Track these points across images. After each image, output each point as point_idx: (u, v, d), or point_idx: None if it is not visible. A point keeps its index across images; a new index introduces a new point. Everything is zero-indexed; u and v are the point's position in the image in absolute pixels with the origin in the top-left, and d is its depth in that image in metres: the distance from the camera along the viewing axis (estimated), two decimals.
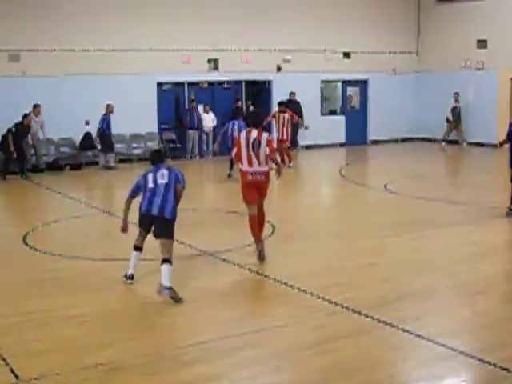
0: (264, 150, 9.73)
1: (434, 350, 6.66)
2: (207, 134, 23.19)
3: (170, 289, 8.02)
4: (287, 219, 13.50)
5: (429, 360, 6.48)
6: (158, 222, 8.46)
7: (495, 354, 6.43)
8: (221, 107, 23.48)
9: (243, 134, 9.98)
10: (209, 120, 23.01)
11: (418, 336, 6.94)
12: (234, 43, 23.22)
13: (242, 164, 9.93)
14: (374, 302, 8.01)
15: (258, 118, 10.28)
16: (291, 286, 8.62)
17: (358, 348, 6.75)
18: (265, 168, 9.86)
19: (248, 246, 10.52)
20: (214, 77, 23.45)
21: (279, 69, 24.44)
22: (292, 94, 23.82)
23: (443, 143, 24.62)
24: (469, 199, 14.69)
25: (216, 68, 23.37)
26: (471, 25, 25.30)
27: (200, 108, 23.04)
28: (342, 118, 26.40)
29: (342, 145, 26.10)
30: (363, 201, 15.61)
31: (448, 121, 24.83)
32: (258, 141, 9.77)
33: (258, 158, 9.76)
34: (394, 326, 7.20)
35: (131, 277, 8.84)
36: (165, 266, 8.12)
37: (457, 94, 24.70)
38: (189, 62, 22.69)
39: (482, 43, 25.06)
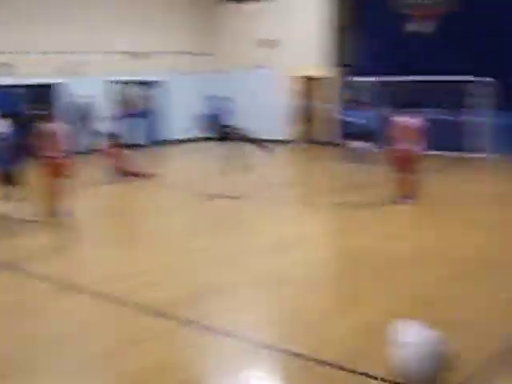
0: None
1: (238, 345, 6.83)
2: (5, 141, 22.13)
3: None
4: (92, 223, 13.26)
5: (234, 355, 6.62)
6: None
7: (296, 344, 6.70)
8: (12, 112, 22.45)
9: None
10: (4, 126, 21.95)
11: (222, 332, 7.08)
12: (26, 45, 22.40)
13: None
14: (178, 302, 8.06)
15: None
16: (93, 291, 8.50)
17: (163, 349, 6.74)
18: None
19: (48, 255, 10.30)
20: (4, 81, 22.42)
21: (71, 72, 23.79)
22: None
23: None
24: (267, 195, 15.21)
25: (8, 72, 22.39)
26: (262, 25, 26.24)
27: None
28: (141, 120, 26.24)
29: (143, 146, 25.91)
30: (166, 202, 15.59)
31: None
32: None
33: None
34: (197, 324, 7.30)
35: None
36: None
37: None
38: None
39: (271, 43, 26.02)
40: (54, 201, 12.90)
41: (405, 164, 13.69)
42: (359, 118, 20.45)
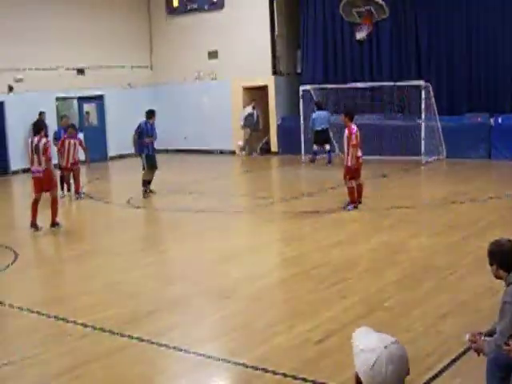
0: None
1: (189, 360, 6.78)
2: None
3: None
4: (30, 243, 13.01)
5: (184, 369, 6.60)
6: None
7: (247, 355, 6.68)
8: None
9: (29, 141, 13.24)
10: None
11: (173, 348, 7.01)
12: None
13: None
14: (126, 320, 7.96)
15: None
16: (38, 313, 8.31)
17: (113, 368, 6.67)
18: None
19: None
20: None
21: (11, 89, 23.50)
22: (41, 113, 22.80)
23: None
24: (209, 206, 15.11)
25: None
26: (202, 37, 26.15)
27: None
28: (80, 135, 25.93)
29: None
30: (108, 218, 15.43)
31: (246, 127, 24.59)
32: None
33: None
34: (147, 341, 7.21)
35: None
36: None
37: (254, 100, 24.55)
38: None
39: (213, 54, 25.99)
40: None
41: (356, 171, 13.88)
42: (318, 123, 20.77)
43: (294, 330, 7.37)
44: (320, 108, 21.47)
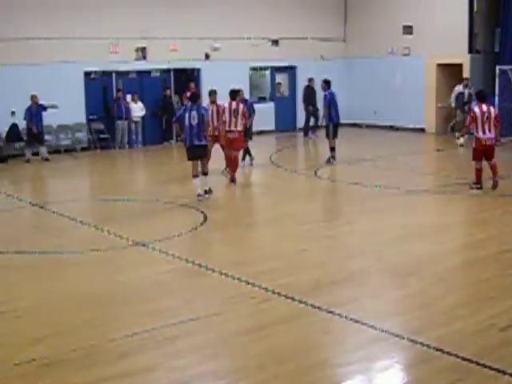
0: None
1: (366, 333, 6.77)
2: (136, 124, 22.93)
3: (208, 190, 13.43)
4: (219, 207, 13.53)
5: (361, 343, 6.57)
6: (200, 148, 13.27)
7: (427, 334, 6.57)
8: (149, 96, 23.28)
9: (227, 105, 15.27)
10: (137, 109, 22.78)
11: (351, 319, 7.03)
12: (162, 31, 22.99)
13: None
14: (307, 288, 8.07)
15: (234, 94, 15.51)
16: (225, 274, 8.63)
17: (293, 333, 6.81)
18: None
19: (179, 236, 10.56)
20: (142, 65, 23.21)
21: (207, 57, 24.34)
22: (310, 79, 23.99)
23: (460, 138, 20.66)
24: (395, 182, 14.93)
25: (144, 57, 23.14)
26: (397, 11, 25.69)
27: (128, 97, 22.77)
28: (271, 105, 26.46)
29: (271, 132, 26.13)
30: (294, 187, 15.67)
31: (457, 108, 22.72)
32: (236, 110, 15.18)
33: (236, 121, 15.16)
34: (326, 311, 7.28)
35: (202, 194, 13.31)
36: (205, 177, 13.56)
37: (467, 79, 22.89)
38: (116, 51, 22.40)
39: (407, 29, 25.45)
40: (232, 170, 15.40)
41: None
42: None
43: (478, 315, 7.16)
44: None
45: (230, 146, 15.40)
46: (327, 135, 17.84)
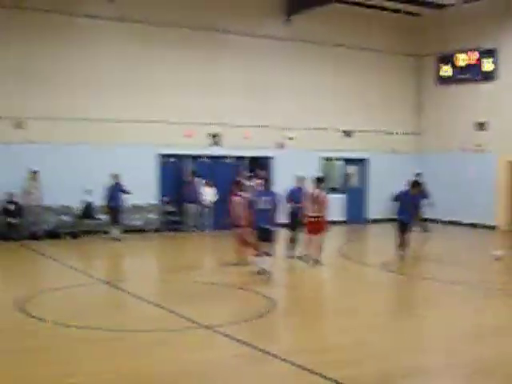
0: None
1: None
2: (207, 208, 23.16)
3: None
4: (288, 295, 13.47)
5: None
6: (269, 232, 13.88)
7: None
8: (221, 181, 23.58)
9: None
10: (210, 194, 23.07)
11: None
12: (236, 119, 23.54)
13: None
14: (373, 381, 7.86)
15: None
16: (291, 362, 8.47)
17: None
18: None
19: (245, 321, 10.47)
20: (216, 151, 23.66)
21: (281, 146, 24.65)
22: (418, 174, 23.13)
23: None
24: (468, 279, 14.60)
25: (217, 143, 23.59)
26: (471, 107, 25.70)
27: (200, 181, 23.11)
28: (342, 196, 26.47)
29: (342, 223, 26.04)
30: (362, 279, 15.48)
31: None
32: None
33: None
34: None
35: (263, 272, 13.94)
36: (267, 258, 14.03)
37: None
38: (190, 135, 22.93)
39: (481, 125, 25.38)
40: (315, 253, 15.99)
41: None
42: None
43: None
44: None
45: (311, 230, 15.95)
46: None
